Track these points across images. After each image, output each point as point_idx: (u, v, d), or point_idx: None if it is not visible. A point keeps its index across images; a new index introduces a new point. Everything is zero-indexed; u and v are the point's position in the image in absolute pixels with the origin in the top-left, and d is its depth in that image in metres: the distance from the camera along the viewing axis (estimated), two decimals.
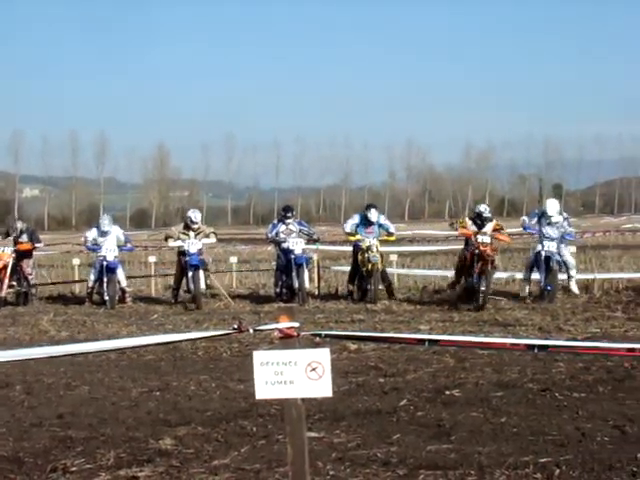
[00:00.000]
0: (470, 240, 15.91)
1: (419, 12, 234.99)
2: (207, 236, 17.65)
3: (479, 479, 5.60)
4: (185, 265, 17.16)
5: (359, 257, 17.15)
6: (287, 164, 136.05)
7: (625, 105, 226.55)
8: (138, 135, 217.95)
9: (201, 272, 17.13)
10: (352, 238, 17.41)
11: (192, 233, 17.40)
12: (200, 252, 17.31)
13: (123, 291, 18.27)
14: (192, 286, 16.94)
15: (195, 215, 17.73)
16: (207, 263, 17.90)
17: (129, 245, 19.06)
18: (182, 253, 17.40)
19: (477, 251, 15.42)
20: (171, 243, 17.76)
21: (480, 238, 15.54)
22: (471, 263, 15.54)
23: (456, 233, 16.86)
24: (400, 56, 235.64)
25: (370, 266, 16.83)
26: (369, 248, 16.94)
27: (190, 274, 17.00)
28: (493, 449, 6.22)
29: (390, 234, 17.68)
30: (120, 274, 18.24)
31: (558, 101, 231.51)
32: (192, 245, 17.17)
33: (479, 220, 16.14)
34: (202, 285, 17.15)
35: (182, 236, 17.46)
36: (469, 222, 16.22)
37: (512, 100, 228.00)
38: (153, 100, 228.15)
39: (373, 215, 17.40)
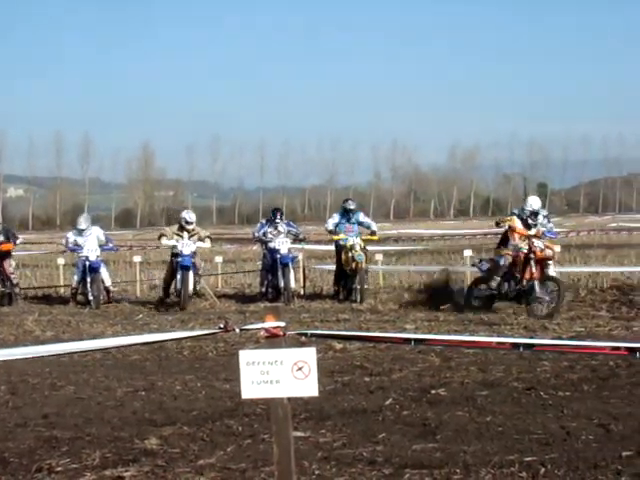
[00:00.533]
0: (513, 241, 14.59)
1: (405, 12, 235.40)
2: (202, 240, 17.40)
3: (464, 478, 5.61)
4: (176, 266, 16.92)
5: (342, 256, 17.18)
6: (272, 164, 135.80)
7: (610, 106, 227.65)
8: (123, 136, 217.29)
9: (191, 274, 16.81)
10: (335, 237, 17.41)
11: (186, 234, 17.13)
12: (193, 255, 17.02)
13: (107, 290, 18.23)
14: (180, 287, 16.66)
15: (190, 216, 17.50)
16: (199, 268, 17.58)
17: (110, 245, 19.05)
18: (175, 254, 17.12)
19: (532, 256, 14.25)
20: (164, 241, 17.38)
21: (536, 242, 14.40)
22: (524, 267, 14.32)
23: (499, 230, 15.32)
24: (386, 57, 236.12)
25: (355, 265, 16.85)
26: (352, 247, 16.97)
27: (179, 276, 16.74)
28: (478, 448, 6.24)
29: (373, 233, 17.73)
30: (104, 273, 18.22)
31: (543, 102, 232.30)
32: (186, 246, 16.88)
33: (532, 219, 14.81)
34: (190, 287, 16.81)
35: (176, 237, 17.15)
36: (518, 221, 14.80)
37: (497, 101, 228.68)
38: (138, 101, 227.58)
39: (351, 204, 17.50)
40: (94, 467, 6.10)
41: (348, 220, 17.39)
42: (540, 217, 16.46)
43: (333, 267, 18.35)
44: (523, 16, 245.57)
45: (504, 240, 15.03)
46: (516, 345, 5.22)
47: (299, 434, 6.50)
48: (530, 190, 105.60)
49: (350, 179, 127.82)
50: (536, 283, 14.14)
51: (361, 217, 17.75)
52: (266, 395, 4.72)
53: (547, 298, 14.02)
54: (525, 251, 14.38)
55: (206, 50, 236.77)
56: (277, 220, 17.66)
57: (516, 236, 14.62)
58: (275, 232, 17.51)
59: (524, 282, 14.31)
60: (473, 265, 15.91)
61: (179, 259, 16.82)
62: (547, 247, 14.63)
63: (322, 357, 9.73)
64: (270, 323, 4.75)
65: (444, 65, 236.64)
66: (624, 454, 5.95)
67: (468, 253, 20.03)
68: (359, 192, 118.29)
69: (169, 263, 17.68)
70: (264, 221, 18.32)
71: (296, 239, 18.08)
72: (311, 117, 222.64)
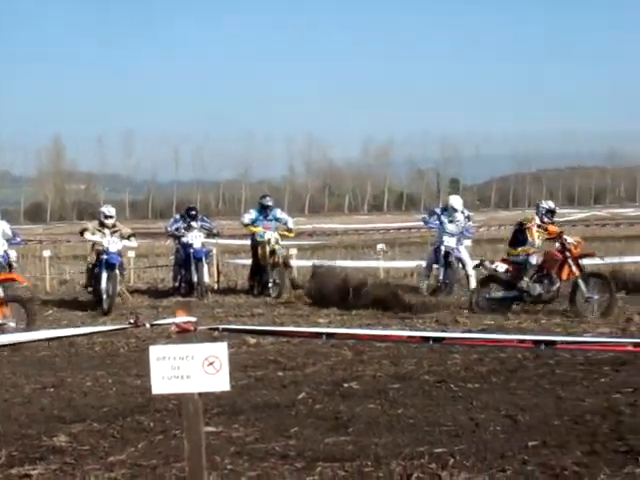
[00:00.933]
0: (531, 240, 13.88)
1: (323, 10, 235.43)
2: (127, 238, 16.38)
3: (376, 470, 5.66)
4: (101, 263, 15.67)
5: (259, 251, 17.16)
6: (186, 158, 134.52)
7: (520, 104, 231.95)
8: (32, 128, 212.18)
9: (118, 274, 15.70)
10: (253, 229, 17.37)
11: (107, 230, 16.03)
12: (119, 253, 16.05)
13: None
14: (104, 286, 15.39)
15: (109, 210, 16.37)
16: (125, 267, 16.94)
17: (18, 239, 18.61)
18: (99, 251, 15.80)
19: (568, 254, 13.49)
20: (88, 236, 16.22)
21: (569, 239, 13.71)
22: (560, 266, 13.50)
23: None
24: (300, 51, 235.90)
25: (273, 259, 16.86)
26: (269, 241, 16.99)
27: (105, 275, 15.49)
28: (389, 440, 6.31)
29: (289, 230, 17.78)
30: (12, 254, 17.77)
31: (455, 98, 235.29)
32: (112, 244, 15.80)
33: (548, 217, 14.25)
34: (117, 289, 15.74)
35: (97, 232, 16.07)
36: (538, 221, 14.09)
37: (410, 98, 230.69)
38: (48, 92, 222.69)
39: (268, 201, 17.54)
40: (0, 466, 5.98)
41: (265, 217, 17.39)
42: (460, 215, 16.75)
43: (247, 262, 18.32)
44: (436, 14, 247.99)
45: (516, 240, 14.28)
46: (426, 338, 5.30)
47: (211, 429, 6.49)
48: (443, 186, 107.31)
49: (265, 173, 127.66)
50: (580, 281, 13.34)
51: (278, 213, 17.79)
52: (177, 390, 4.69)
53: (596, 296, 13.18)
54: (557, 249, 13.72)
55: (116, 43, 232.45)
56: (192, 222, 17.43)
57: (535, 235, 13.94)
58: (188, 228, 17.39)
59: (561, 282, 13.57)
60: (478, 266, 14.91)
61: (106, 257, 15.65)
62: (578, 242, 13.93)
63: (235, 352, 9.71)
64: (181, 318, 4.72)
65: (358, 61, 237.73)
66: (530, 444, 6.09)
67: (381, 247, 20.29)
68: (274, 186, 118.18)
69: (95, 255, 16.15)
70: (178, 216, 18.17)
71: (210, 234, 17.98)
72: (225, 111, 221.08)
